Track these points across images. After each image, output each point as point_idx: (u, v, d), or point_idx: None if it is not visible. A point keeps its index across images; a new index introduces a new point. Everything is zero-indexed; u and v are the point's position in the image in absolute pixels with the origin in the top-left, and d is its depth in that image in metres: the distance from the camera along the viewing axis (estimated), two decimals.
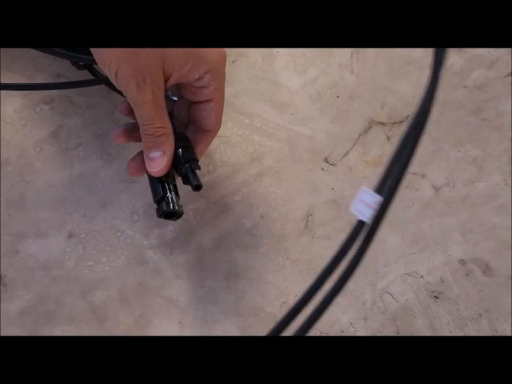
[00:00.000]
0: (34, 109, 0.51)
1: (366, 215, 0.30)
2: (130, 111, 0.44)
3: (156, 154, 0.42)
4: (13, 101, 0.51)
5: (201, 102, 0.44)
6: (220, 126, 0.46)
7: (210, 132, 0.45)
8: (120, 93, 0.47)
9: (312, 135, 0.52)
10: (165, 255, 0.48)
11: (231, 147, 0.50)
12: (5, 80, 0.51)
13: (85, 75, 0.48)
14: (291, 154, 0.51)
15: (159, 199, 0.42)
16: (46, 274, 0.47)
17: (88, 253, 0.48)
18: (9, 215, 0.48)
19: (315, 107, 0.52)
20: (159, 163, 0.42)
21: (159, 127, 0.41)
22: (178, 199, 0.42)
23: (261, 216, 0.49)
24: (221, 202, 0.49)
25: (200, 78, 0.42)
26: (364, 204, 0.30)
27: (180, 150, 0.43)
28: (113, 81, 0.40)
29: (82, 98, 0.52)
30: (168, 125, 0.42)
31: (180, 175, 0.43)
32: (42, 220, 0.48)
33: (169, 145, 0.42)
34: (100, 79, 0.48)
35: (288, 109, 0.52)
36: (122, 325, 0.46)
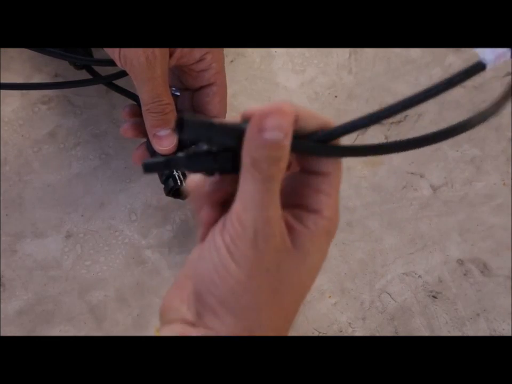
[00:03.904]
0: (32, 109, 0.51)
1: (488, 58, 0.28)
2: (134, 114, 0.45)
3: (164, 132, 0.41)
4: (11, 101, 0.51)
5: (203, 87, 0.44)
6: (225, 112, 0.46)
7: (216, 118, 0.45)
8: (120, 90, 0.47)
9: None
10: (163, 255, 0.48)
11: None
12: (3, 80, 0.51)
13: (83, 75, 0.48)
14: None
15: (166, 177, 0.42)
16: (44, 274, 0.47)
17: (86, 253, 0.48)
18: (7, 215, 0.48)
19: (313, 107, 0.52)
20: (170, 141, 0.42)
21: (167, 104, 0.41)
22: (186, 178, 0.42)
23: None
24: None
25: (201, 59, 0.42)
26: (492, 52, 0.29)
27: None
28: (117, 58, 0.40)
29: (80, 98, 0.52)
30: (173, 102, 0.42)
31: None
32: (40, 219, 0.48)
33: None
34: (98, 79, 0.48)
35: None
36: (121, 324, 0.46)
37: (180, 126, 0.23)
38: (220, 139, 0.25)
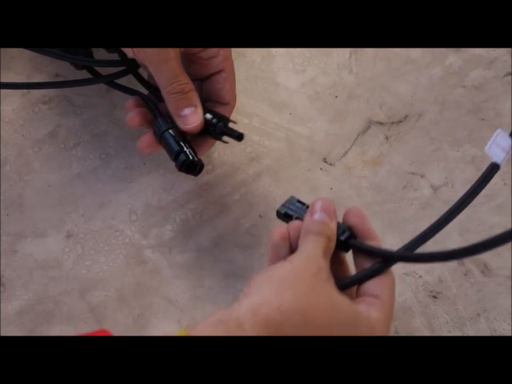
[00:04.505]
0: (33, 109, 0.51)
1: (500, 158, 0.31)
2: (138, 105, 0.45)
3: (188, 110, 0.42)
4: (12, 101, 0.51)
5: (212, 75, 0.44)
6: (235, 99, 0.46)
7: (228, 105, 0.45)
8: (121, 88, 0.47)
9: (311, 135, 0.52)
10: (164, 254, 0.48)
11: (229, 147, 0.50)
12: (3, 79, 0.51)
13: (84, 74, 0.48)
14: (290, 154, 0.51)
15: (177, 153, 0.42)
16: (45, 274, 0.47)
17: (87, 253, 0.48)
18: (7, 214, 0.48)
19: (314, 107, 0.52)
20: (195, 118, 0.42)
21: (185, 83, 0.41)
22: (196, 154, 0.43)
23: (260, 216, 0.49)
24: (219, 202, 0.49)
25: None
26: (499, 147, 0.32)
27: (207, 114, 0.43)
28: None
29: (80, 98, 0.52)
30: (190, 81, 0.42)
31: (216, 137, 0.44)
32: (41, 219, 0.48)
33: (198, 99, 0.42)
34: (99, 78, 0.48)
35: (286, 108, 0.52)
36: (121, 324, 0.46)
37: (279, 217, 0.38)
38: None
